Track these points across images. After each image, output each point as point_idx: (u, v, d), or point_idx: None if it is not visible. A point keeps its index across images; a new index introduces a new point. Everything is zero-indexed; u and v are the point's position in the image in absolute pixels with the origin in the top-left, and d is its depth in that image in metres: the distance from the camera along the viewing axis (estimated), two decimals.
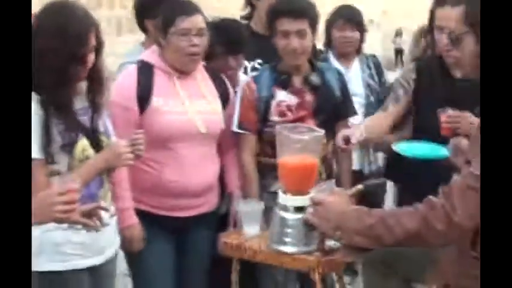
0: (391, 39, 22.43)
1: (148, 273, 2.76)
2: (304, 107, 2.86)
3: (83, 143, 2.29)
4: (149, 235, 2.69)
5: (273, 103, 2.86)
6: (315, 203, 2.06)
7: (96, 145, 2.34)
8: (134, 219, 2.65)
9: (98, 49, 2.31)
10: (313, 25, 2.83)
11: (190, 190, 2.71)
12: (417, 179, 2.71)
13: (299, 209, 2.32)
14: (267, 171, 2.84)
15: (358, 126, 2.88)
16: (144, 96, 2.65)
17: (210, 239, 2.82)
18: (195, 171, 2.70)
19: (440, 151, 2.57)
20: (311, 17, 2.81)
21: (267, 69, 2.93)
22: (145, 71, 2.69)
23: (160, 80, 2.69)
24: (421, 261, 2.23)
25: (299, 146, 2.33)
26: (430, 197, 1.75)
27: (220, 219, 2.88)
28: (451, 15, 2.38)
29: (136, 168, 2.63)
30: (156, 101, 2.66)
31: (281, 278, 2.90)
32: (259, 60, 3.23)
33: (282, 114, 2.85)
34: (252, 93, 2.86)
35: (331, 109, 2.89)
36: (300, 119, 2.82)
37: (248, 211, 2.55)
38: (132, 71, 2.70)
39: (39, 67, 2.17)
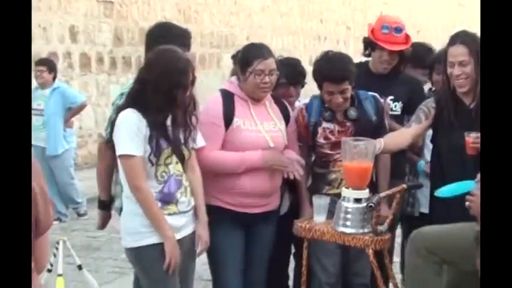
0: None
1: (222, 256, 3.36)
2: (345, 133, 3.43)
3: (168, 151, 2.96)
4: (226, 227, 3.31)
5: (319, 129, 3.48)
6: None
7: (179, 153, 3.00)
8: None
9: (193, 81, 3.01)
10: (352, 82, 3.39)
11: (260, 191, 3.36)
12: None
13: (357, 200, 3.06)
14: (319, 178, 3.51)
15: (379, 140, 3.25)
16: (228, 117, 3.31)
17: (273, 233, 3.49)
18: (264, 176, 3.35)
19: (470, 185, 2.87)
20: (351, 79, 3.38)
21: (317, 99, 3.53)
22: (227, 98, 3.36)
23: (239, 105, 3.35)
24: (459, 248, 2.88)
25: (356, 150, 3.06)
26: None
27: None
28: (459, 51, 3.19)
29: (217, 173, 3.32)
30: (236, 121, 3.32)
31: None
32: (392, 97, 3.83)
33: (326, 138, 3.47)
34: (303, 118, 3.52)
35: (369, 133, 3.34)
36: None
37: (319, 203, 3.24)
38: (218, 97, 3.36)
39: (153, 92, 2.87)
